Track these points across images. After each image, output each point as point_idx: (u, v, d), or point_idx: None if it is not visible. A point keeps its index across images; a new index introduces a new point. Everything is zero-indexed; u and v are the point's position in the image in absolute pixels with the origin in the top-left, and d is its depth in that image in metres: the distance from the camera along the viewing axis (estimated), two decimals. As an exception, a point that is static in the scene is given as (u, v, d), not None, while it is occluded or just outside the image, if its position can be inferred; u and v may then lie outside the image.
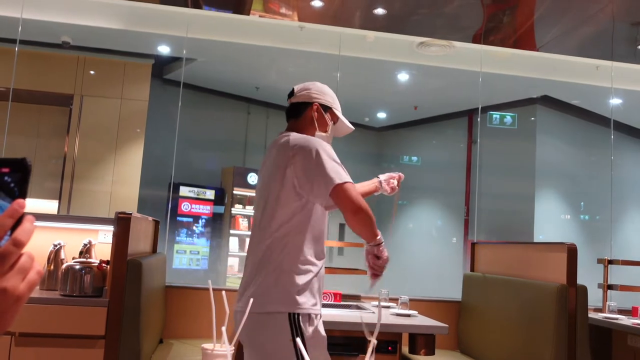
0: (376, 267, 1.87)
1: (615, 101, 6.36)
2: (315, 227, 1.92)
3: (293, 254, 1.86)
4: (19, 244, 0.60)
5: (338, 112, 2.13)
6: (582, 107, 7.32)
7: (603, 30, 5.04)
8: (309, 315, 1.83)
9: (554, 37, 5.27)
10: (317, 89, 2.13)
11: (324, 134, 2.08)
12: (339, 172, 1.83)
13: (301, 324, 1.79)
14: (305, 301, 1.83)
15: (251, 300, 1.47)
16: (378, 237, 1.85)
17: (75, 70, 6.30)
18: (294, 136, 1.96)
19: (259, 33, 5.62)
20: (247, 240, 7.47)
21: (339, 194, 1.80)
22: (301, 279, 1.84)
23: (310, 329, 1.82)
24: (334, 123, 2.12)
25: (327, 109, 2.11)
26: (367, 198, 2.12)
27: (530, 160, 7.17)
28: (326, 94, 2.13)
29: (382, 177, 2.36)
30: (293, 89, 2.18)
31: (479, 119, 5.93)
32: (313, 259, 1.90)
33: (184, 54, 6.00)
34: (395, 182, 2.35)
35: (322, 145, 1.90)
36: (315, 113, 2.07)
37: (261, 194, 2.01)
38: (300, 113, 2.10)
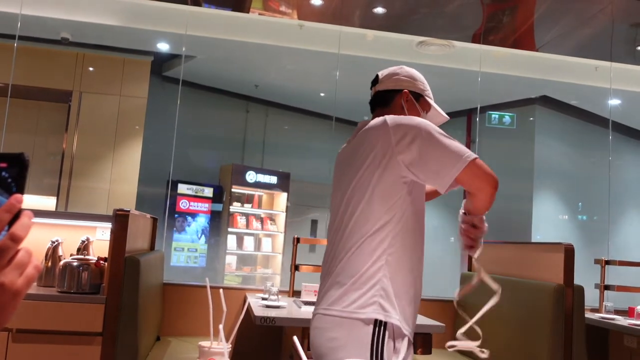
0: (472, 236, 1.63)
1: (614, 102, 6.37)
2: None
3: None
4: (16, 239, 0.59)
5: (431, 100, 1.84)
6: (581, 108, 7.33)
7: (602, 31, 5.05)
8: None
9: (553, 38, 5.27)
10: (406, 73, 1.83)
11: None
12: (462, 148, 1.55)
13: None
14: None
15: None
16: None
17: (74, 67, 6.29)
18: (390, 117, 1.60)
19: (259, 31, 5.62)
20: (245, 238, 7.48)
21: (474, 170, 1.52)
22: None
23: None
24: (426, 112, 1.82)
25: (419, 96, 1.80)
26: None
27: (529, 160, 7.18)
28: (417, 80, 1.83)
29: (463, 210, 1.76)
30: (377, 76, 1.89)
31: (477, 119, 5.94)
32: None
33: (183, 51, 6.00)
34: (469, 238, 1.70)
35: (428, 122, 1.60)
36: (406, 102, 1.78)
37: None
38: (389, 102, 1.80)
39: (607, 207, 5.69)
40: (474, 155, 1.53)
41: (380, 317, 1.48)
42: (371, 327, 1.47)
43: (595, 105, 7.01)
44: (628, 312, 3.62)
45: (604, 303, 3.72)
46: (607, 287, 3.81)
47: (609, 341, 3.74)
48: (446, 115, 1.85)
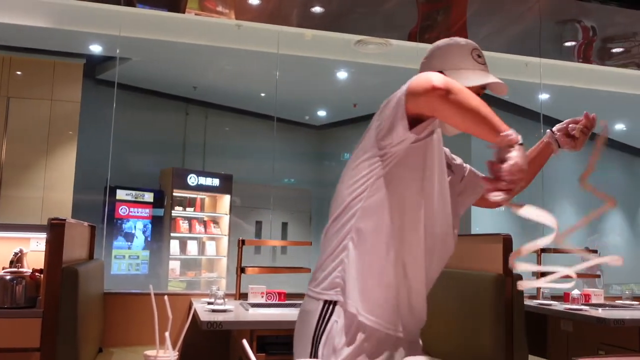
0: (500, 175, 1.14)
1: (544, 96, 6.64)
2: None
3: None
4: None
5: (456, 71, 1.47)
6: (513, 103, 7.60)
7: (531, 28, 5.25)
8: None
9: (485, 35, 5.44)
10: (430, 53, 1.59)
11: None
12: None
13: None
14: None
15: None
16: (504, 133, 1.18)
17: (0, 71, 6.01)
18: None
19: (196, 32, 5.53)
20: (188, 242, 7.35)
21: (410, 93, 1.27)
22: None
23: None
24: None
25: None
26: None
27: (466, 153, 7.33)
28: (433, 57, 1.56)
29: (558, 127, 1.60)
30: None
31: (416, 116, 6.06)
32: None
33: (118, 53, 5.83)
34: (579, 128, 1.54)
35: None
36: None
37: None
38: None
39: (540, 197, 5.93)
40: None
41: (332, 298, 1.38)
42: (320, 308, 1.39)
43: (526, 99, 7.29)
44: (564, 298, 3.78)
45: (541, 290, 3.87)
46: (543, 274, 3.97)
47: (547, 326, 3.90)
48: (494, 79, 1.51)
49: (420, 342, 1.60)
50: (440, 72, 1.42)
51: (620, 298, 4.09)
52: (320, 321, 1.39)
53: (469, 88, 1.30)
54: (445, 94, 1.19)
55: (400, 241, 1.39)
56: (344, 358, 1.34)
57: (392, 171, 1.37)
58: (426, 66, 1.56)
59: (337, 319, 1.37)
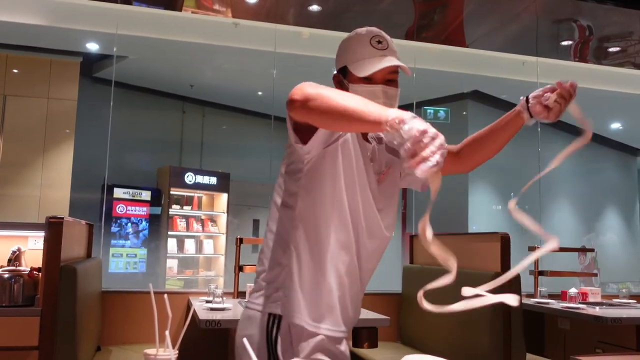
0: (411, 152, 1.02)
1: (541, 95, 6.65)
2: None
3: None
4: None
5: (356, 63, 1.42)
6: (510, 102, 7.62)
7: (528, 27, 5.27)
8: None
9: (482, 34, 5.45)
10: (338, 50, 1.54)
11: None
12: None
13: None
14: None
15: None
16: (386, 120, 1.06)
17: (-4, 69, 6.00)
18: None
19: (193, 30, 5.52)
20: (186, 241, 7.35)
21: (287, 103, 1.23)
22: None
23: None
24: (355, 84, 1.42)
25: (345, 73, 1.46)
26: None
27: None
28: (342, 51, 1.51)
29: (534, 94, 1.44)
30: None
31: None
32: None
33: (115, 52, 5.81)
34: (553, 97, 1.40)
35: None
36: (337, 85, 1.48)
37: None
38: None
39: (537, 196, 5.94)
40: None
41: (274, 312, 1.40)
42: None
43: (523, 99, 7.31)
44: (561, 296, 3.79)
45: (538, 288, 3.88)
46: (541, 273, 3.98)
47: (544, 324, 3.92)
48: (389, 62, 1.42)
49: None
50: (345, 67, 1.45)
51: (617, 296, 4.11)
52: (268, 334, 1.39)
53: (375, 74, 1.37)
54: (302, 104, 1.17)
55: (330, 245, 1.38)
56: None
57: (309, 177, 1.38)
58: (335, 64, 1.53)
59: (283, 332, 1.38)
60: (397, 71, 1.45)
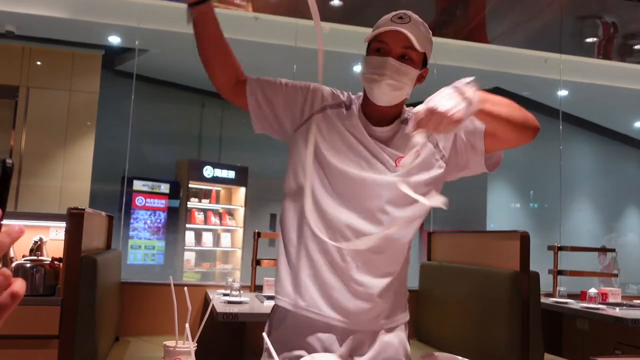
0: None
1: (563, 93, 6.57)
2: None
3: None
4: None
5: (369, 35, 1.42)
6: (532, 99, 7.53)
7: (551, 24, 5.20)
8: None
9: (504, 30, 5.39)
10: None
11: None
12: None
13: None
14: None
15: None
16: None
17: (20, 61, 6.07)
18: None
19: (214, 24, 5.54)
20: (204, 234, 7.39)
21: None
22: None
23: None
24: (373, 54, 1.40)
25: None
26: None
27: (483, 150, 7.33)
28: None
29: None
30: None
31: (433, 111, 6.02)
32: None
33: (136, 45, 5.85)
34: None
35: None
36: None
37: None
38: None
39: (557, 194, 5.87)
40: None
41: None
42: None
43: (545, 96, 7.21)
44: (580, 296, 3.75)
45: (557, 288, 3.84)
46: (560, 272, 3.94)
47: (562, 324, 3.88)
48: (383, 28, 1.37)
49: (387, 337, 1.44)
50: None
51: (637, 297, 4.05)
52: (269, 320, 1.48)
53: (383, 45, 1.36)
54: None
55: (305, 226, 1.38)
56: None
57: (291, 153, 1.46)
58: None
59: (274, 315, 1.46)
60: (415, 50, 1.36)
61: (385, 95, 1.36)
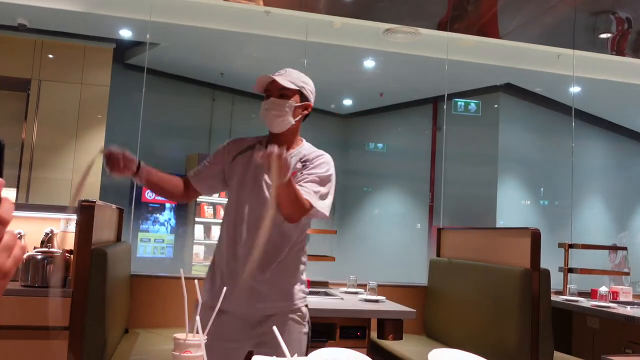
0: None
1: (576, 89, 6.51)
2: None
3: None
4: (3, 222, 0.61)
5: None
6: (544, 95, 7.47)
7: (564, 19, 5.14)
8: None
9: (516, 26, 5.34)
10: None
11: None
12: None
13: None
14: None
15: None
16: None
17: (32, 54, 6.10)
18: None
19: (224, 18, 5.54)
20: (213, 228, 7.42)
21: None
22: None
23: None
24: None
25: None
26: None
27: (493, 147, 7.30)
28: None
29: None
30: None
31: (444, 106, 5.98)
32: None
33: (148, 39, 5.86)
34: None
35: None
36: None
37: None
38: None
39: (569, 191, 5.83)
40: None
41: None
42: None
43: (557, 92, 7.15)
44: (591, 294, 3.73)
45: (567, 286, 3.82)
46: (570, 270, 3.91)
47: (572, 322, 3.85)
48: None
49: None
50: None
51: (648, 296, 4.02)
52: None
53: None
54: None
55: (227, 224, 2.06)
56: None
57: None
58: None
59: None
60: (289, 89, 1.97)
61: (272, 122, 1.97)
